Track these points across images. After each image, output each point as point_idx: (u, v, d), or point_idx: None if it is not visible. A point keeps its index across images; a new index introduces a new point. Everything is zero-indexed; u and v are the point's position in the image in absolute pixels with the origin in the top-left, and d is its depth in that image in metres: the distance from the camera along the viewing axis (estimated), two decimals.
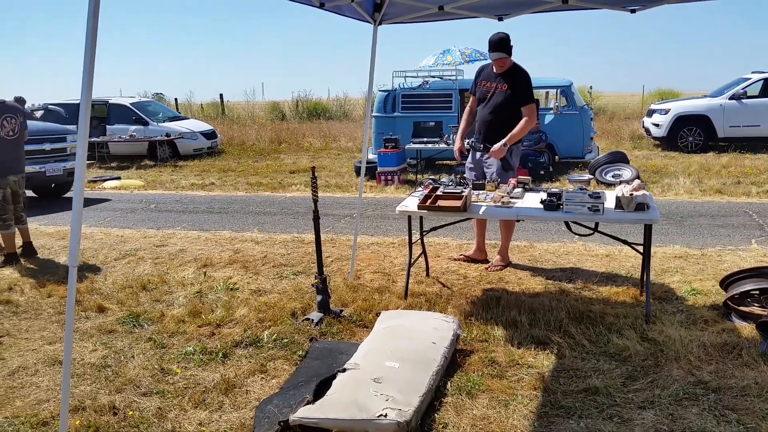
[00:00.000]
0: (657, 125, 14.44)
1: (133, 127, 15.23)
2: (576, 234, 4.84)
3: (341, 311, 4.40)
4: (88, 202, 9.70)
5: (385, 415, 2.71)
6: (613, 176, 10.06)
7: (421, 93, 12.08)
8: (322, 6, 4.56)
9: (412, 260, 4.87)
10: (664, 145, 14.61)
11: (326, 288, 4.38)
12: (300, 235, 7.00)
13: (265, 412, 3.03)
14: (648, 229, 4.14)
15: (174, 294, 4.94)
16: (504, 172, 5.12)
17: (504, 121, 5.14)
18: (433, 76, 12.35)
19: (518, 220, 5.04)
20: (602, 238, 5.11)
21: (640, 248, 4.27)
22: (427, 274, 5.29)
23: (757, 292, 4.14)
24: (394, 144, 10.81)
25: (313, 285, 4.47)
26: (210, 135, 16.49)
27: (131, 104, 15.91)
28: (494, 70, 5.18)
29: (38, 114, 14.61)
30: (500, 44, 4.96)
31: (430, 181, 5.02)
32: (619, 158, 10.62)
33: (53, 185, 10.21)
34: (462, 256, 5.75)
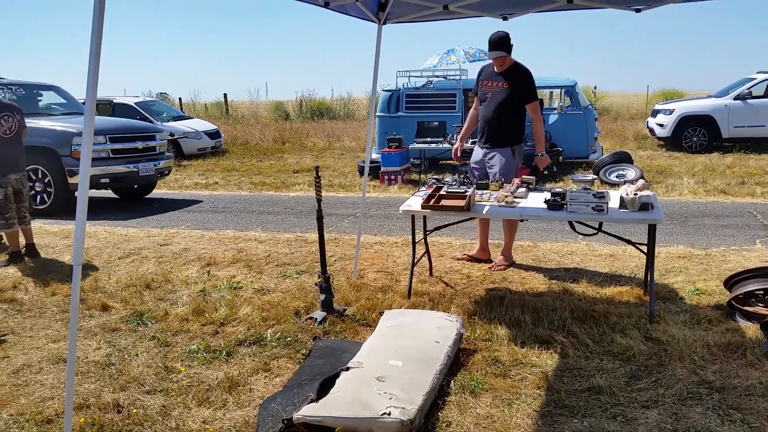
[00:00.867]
0: (661, 125, 14.42)
1: None
2: (580, 234, 4.83)
3: (344, 310, 4.40)
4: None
5: (389, 414, 2.71)
6: (617, 176, 10.05)
7: (425, 93, 12.08)
8: (326, 5, 4.56)
9: (416, 260, 4.87)
10: (669, 146, 14.59)
11: (329, 287, 4.38)
12: (303, 234, 7.01)
13: (269, 411, 3.03)
14: (652, 229, 4.13)
15: (178, 293, 4.95)
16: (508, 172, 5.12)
17: (506, 120, 5.15)
18: (437, 76, 12.35)
19: (522, 220, 5.05)
20: (606, 238, 5.11)
21: (644, 248, 4.27)
22: (431, 274, 5.29)
23: (762, 292, 4.13)
24: (397, 144, 10.81)
25: (316, 284, 4.48)
26: (214, 134, 16.53)
27: (136, 104, 15.95)
28: (495, 70, 5.18)
29: None
30: (500, 43, 4.96)
31: (433, 180, 5.02)
32: (623, 158, 10.61)
33: (135, 186, 9.95)
34: (465, 256, 5.75)
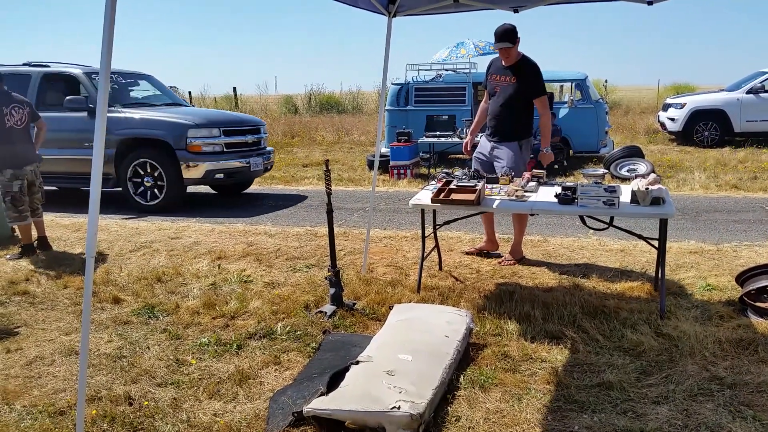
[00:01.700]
0: (672, 119, 14.32)
1: None
2: (591, 228, 4.81)
3: (354, 304, 4.41)
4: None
5: (399, 408, 2.72)
6: (628, 171, 9.99)
7: (435, 86, 12.03)
8: None
9: (425, 254, 4.87)
10: (680, 140, 14.48)
11: (339, 281, 4.39)
12: (313, 228, 7.02)
13: (279, 403, 3.05)
14: (663, 224, 4.11)
15: (188, 286, 4.98)
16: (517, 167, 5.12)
17: (513, 114, 5.14)
18: (447, 70, 12.29)
19: (532, 214, 5.03)
20: (617, 233, 5.09)
21: (655, 243, 4.24)
22: (440, 268, 5.29)
23: None
24: (407, 138, 10.79)
25: (326, 278, 4.48)
26: None
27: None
28: (503, 63, 5.16)
29: None
30: (504, 34, 4.94)
31: (443, 174, 5.01)
32: (634, 152, 10.54)
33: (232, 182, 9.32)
34: (474, 249, 5.74)
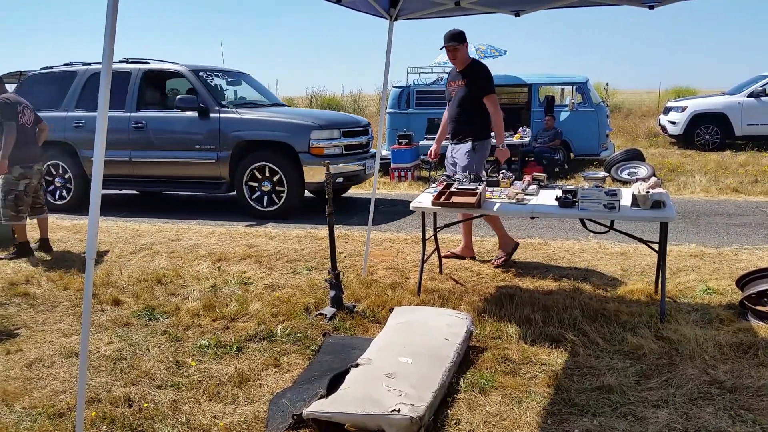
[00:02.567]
0: (673, 123, 14.32)
1: None
2: (591, 232, 4.81)
3: (354, 307, 4.41)
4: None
5: (398, 410, 2.71)
6: (629, 174, 9.98)
7: (436, 89, 12.03)
8: (339, 1, 4.56)
9: (426, 256, 4.87)
10: (681, 143, 14.48)
11: (339, 283, 4.39)
12: (313, 230, 7.02)
13: (279, 406, 3.04)
14: (664, 228, 4.11)
15: (189, 288, 4.98)
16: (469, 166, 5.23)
17: (466, 115, 5.30)
18: (448, 73, 12.28)
19: (533, 218, 5.04)
20: (617, 236, 5.09)
21: (656, 246, 4.24)
22: (440, 271, 5.29)
23: None
24: (408, 140, 10.79)
25: (326, 280, 4.48)
26: None
27: None
28: (456, 69, 5.33)
29: None
30: (452, 37, 5.08)
31: (444, 177, 5.01)
32: (635, 156, 10.54)
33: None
34: (450, 253, 5.73)
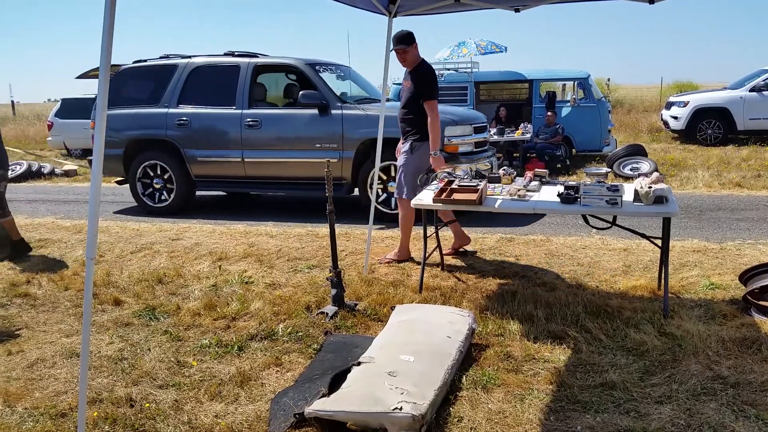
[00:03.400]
0: (675, 118, 14.29)
1: None
2: (594, 228, 4.79)
3: (356, 305, 4.39)
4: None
5: (401, 408, 2.70)
6: (631, 169, 9.96)
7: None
8: None
9: (427, 254, 4.85)
10: (683, 138, 14.45)
11: (341, 282, 4.38)
12: (314, 228, 7.01)
13: (281, 405, 3.04)
14: (666, 223, 4.09)
15: (190, 287, 4.97)
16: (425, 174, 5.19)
17: (408, 117, 5.29)
18: (449, 69, 12.27)
19: (535, 214, 5.02)
20: (620, 232, 5.07)
21: (659, 242, 4.23)
22: (442, 268, 5.27)
23: None
24: None
25: (327, 279, 4.47)
26: None
27: None
28: (407, 70, 5.30)
29: None
30: (400, 39, 5.05)
31: (445, 174, 4.99)
32: (637, 151, 10.52)
33: None
34: (451, 250, 5.73)
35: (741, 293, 4.24)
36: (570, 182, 4.44)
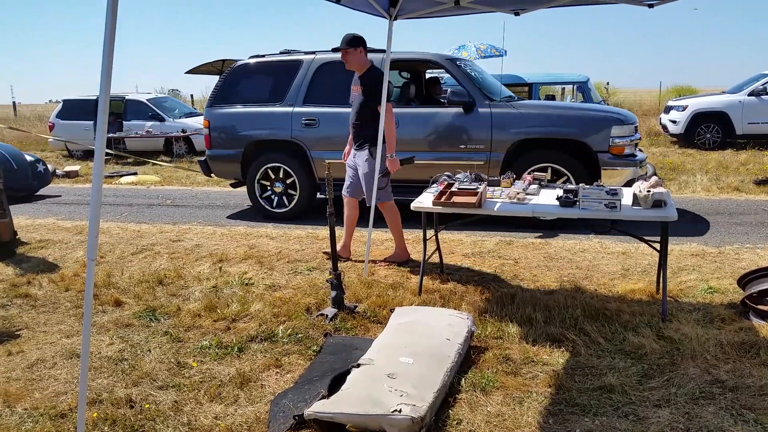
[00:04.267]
0: (674, 122, 14.31)
1: (149, 123, 15.37)
2: (592, 231, 4.80)
3: (355, 307, 4.40)
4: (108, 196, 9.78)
5: (400, 411, 2.71)
6: None
7: None
8: (338, 1, 4.56)
9: (427, 257, 4.86)
10: (682, 142, 14.47)
11: (340, 284, 4.39)
12: (314, 231, 7.02)
13: (280, 406, 3.05)
14: (665, 227, 4.10)
15: (190, 288, 4.98)
16: (381, 176, 5.30)
17: (362, 123, 5.35)
18: None
19: (534, 217, 5.03)
20: (618, 236, 5.08)
21: (657, 246, 4.24)
22: (441, 271, 5.28)
23: None
24: None
25: (327, 281, 4.48)
26: None
27: (148, 100, 16.04)
28: (357, 74, 5.36)
29: None
30: (345, 40, 5.13)
31: (444, 177, 5.01)
32: None
33: None
34: (383, 264, 5.67)
35: (739, 297, 4.26)
36: (569, 186, 4.46)
